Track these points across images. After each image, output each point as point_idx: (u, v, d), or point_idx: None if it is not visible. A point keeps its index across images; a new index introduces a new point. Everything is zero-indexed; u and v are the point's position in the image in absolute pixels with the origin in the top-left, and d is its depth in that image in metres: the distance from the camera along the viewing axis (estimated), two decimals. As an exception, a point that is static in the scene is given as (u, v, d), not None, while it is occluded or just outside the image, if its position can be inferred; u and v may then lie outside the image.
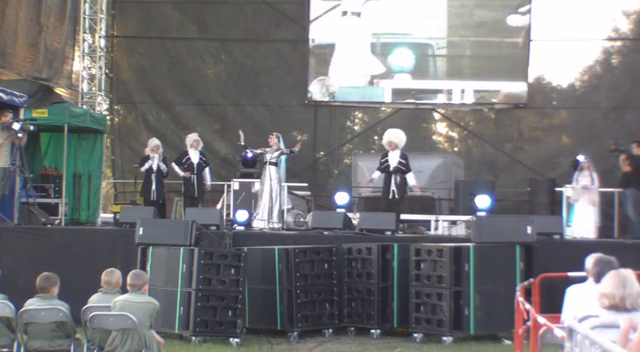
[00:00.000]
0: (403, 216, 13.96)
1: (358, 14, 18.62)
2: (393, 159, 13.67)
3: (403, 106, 19.08)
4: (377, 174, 13.90)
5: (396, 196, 13.58)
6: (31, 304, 7.60)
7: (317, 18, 18.77)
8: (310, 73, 18.89)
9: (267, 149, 13.90)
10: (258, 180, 14.72)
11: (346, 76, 18.85)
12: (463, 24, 18.57)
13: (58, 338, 7.52)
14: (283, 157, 14.24)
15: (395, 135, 14.04)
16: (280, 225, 13.63)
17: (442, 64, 18.88)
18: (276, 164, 13.84)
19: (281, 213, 13.83)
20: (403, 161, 13.67)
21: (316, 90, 18.85)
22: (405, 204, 14.22)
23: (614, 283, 4.90)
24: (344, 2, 18.72)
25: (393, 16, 18.54)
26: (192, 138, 14.77)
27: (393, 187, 13.57)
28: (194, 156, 14.62)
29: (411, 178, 13.76)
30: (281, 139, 14.15)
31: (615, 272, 4.99)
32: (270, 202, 13.61)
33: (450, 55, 18.85)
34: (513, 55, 18.46)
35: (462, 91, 18.52)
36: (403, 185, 13.66)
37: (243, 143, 14.13)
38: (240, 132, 14.18)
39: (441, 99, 19.03)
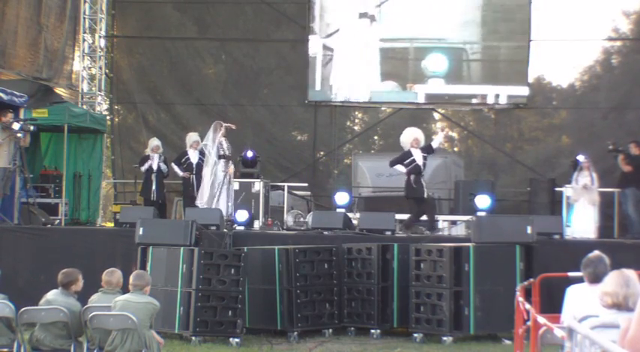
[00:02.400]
0: (403, 216, 13.95)
1: (373, 17, 18.51)
2: (419, 157, 13.47)
3: (403, 106, 19.07)
4: (402, 169, 13.58)
5: (432, 195, 13.58)
6: (51, 297, 7.67)
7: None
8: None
9: (219, 140, 13.56)
10: (258, 180, 14.70)
11: (354, 81, 18.69)
12: (496, 28, 18.37)
13: (60, 338, 7.54)
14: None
15: (418, 132, 13.88)
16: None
17: (476, 68, 18.67)
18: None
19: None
20: (426, 155, 13.56)
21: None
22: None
23: (617, 282, 4.90)
24: (359, 4, 18.59)
25: (427, 21, 18.34)
26: (192, 138, 14.70)
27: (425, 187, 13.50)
28: (193, 157, 14.59)
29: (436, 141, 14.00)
30: None
31: (619, 272, 5.00)
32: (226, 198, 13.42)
33: (484, 60, 18.61)
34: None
35: (497, 96, 18.35)
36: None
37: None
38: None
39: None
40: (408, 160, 13.47)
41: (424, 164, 13.50)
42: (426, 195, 13.50)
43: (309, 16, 18.78)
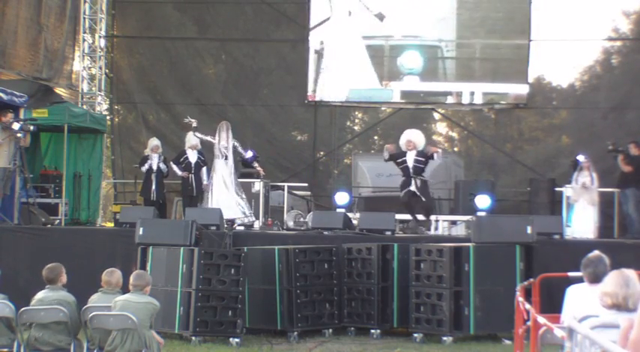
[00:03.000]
0: (403, 216, 13.94)
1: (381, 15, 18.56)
2: (410, 160, 13.25)
3: (403, 106, 19.08)
4: (387, 155, 13.35)
5: (423, 199, 13.33)
6: (40, 295, 7.66)
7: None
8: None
9: (233, 142, 13.59)
10: (258, 180, 14.68)
11: (345, 78, 18.74)
12: (472, 26, 18.43)
13: (59, 333, 7.54)
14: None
15: (413, 134, 13.57)
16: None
17: (451, 66, 18.68)
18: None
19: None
20: (421, 159, 13.26)
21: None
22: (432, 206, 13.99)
23: (617, 282, 4.90)
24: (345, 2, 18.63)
25: (402, 18, 18.38)
26: (191, 141, 14.65)
27: (413, 188, 13.17)
28: (192, 156, 14.60)
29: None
30: None
31: (618, 272, 5.00)
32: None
33: (459, 58, 18.62)
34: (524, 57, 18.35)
35: (472, 94, 18.36)
36: (425, 187, 13.32)
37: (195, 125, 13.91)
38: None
39: (450, 101, 18.96)
40: (399, 160, 13.42)
41: (416, 168, 13.23)
42: (406, 199, 13.23)
43: (309, 15, 18.80)
